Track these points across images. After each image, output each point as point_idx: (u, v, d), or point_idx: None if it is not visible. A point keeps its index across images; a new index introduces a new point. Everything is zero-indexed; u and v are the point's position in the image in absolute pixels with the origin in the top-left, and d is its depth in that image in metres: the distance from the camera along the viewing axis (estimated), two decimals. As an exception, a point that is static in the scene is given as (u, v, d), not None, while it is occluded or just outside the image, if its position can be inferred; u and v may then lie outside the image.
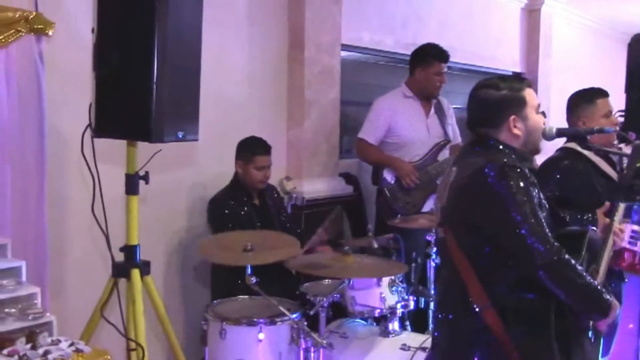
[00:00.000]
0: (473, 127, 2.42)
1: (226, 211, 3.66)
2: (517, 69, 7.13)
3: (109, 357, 2.38)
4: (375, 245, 3.47)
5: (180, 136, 2.66)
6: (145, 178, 2.73)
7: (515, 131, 2.31)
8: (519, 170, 2.18)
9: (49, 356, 2.25)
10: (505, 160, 2.22)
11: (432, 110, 4.34)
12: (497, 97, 2.33)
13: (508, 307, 2.19)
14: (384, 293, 3.19)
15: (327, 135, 4.77)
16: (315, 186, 4.59)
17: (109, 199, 2.72)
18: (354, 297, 3.20)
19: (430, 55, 4.29)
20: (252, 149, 3.77)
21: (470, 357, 2.20)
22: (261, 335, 3.02)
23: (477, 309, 2.21)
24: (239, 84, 4.22)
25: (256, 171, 3.77)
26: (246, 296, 3.36)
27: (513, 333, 2.17)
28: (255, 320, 3.05)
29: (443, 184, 2.46)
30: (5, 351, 2.29)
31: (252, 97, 4.34)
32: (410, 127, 4.28)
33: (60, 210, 3.23)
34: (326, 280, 3.53)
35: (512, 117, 2.31)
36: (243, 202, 3.74)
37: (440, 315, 2.36)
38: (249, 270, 2.91)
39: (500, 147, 2.31)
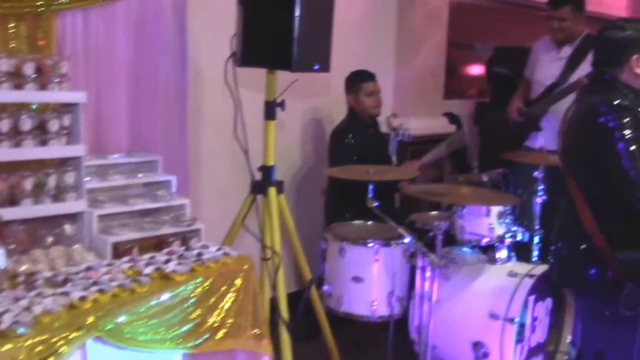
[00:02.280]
0: (596, 67, 2.55)
1: (347, 143, 3.90)
2: (624, 14, 6.97)
3: (251, 261, 2.68)
4: (485, 179, 3.64)
5: (316, 67, 2.89)
6: (282, 105, 2.98)
7: (637, 70, 2.43)
8: (629, 110, 2.32)
9: (203, 257, 2.56)
10: (618, 99, 2.35)
11: (566, 52, 4.25)
12: (621, 37, 2.45)
13: (615, 234, 2.38)
14: (492, 224, 3.36)
15: (433, 75, 4.92)
16: (421, 124, 4.76)
17: (247, 123, 2.99)
18: (464, 225, 3.39)
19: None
20: (358, 78, 4.04)
21: (586, 274, 2.41)
22: (377, 256, 3.29)
23: (588, 235, 2.41)
24: (350, 22, 4.39)
25: (367, 98, 4.03)
26: (360, 221, 3.63)
27: (619, 255, 2.37)
28: (372, 241, 3.32)
29: (563, 120, 2.63)
30: (164, 251, 2.61)
31: (362, 36, 4.52)
32: (536, 67, 4.35)
33: (202, 132, 3.55)
34: (432, 212, 3.74)
35: (635, 56, 2.42)
36: (361, 134, 3.98)
37: (558, 242, 2.56)
38: (370, 194, 3.15)
39: (619, 86, 2.44)
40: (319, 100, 4.26)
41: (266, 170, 3.01)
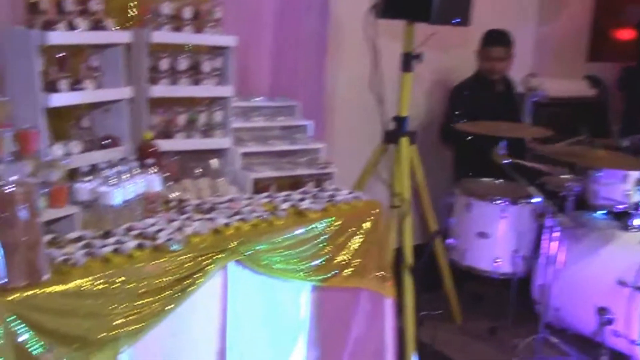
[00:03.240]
0: None
1: (465, 98, 3.89)
2: None
3: (380, 206, 2.77)
4: (625, 144, 3.51)
5: (456, 21, 2.90)
6: (419, 57, 3.02)
7: None
8: None
9: (335, 198, 2.69)
10: None
11: None
12: None
13: None
14: (629, 190, 3.25)
15: (577, 35, 4.74)
16: (559, 86, 4.61)
17: (383, 73, 3.05)
18: (598, 190, 3.31)
19: None
20: (486, 40, 3.97)
21: None
22: (505, 213, 3.29)
23: None
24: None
25: (485, 60, 3.95)
26: (489, 178, 3.63)
27: None
28: (500, 198, 3.32)
29: None
30: (299, 190, 2.77)
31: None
32: None
33: (339, 81, 3.67)
34: (563, 176, 3.66)
35: None
36: (481, 92, 3.94)
37: None
38: (502, 151, 3.15)
39: None
40: (456, 53, 4.22)
41: (400, 120, 3.08)
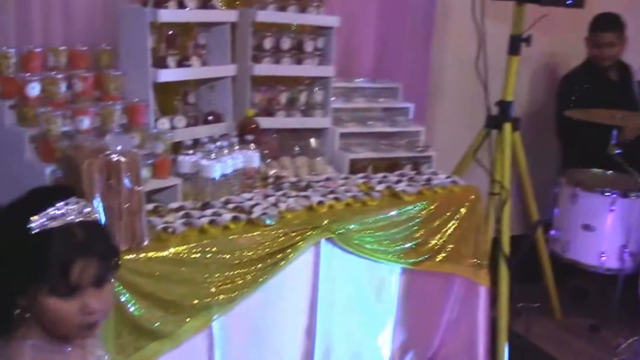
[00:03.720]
0: None
1: (576, 88, 3.70)
2: None
3: (478, 192, 2.72)
4: None
5: (569, 2, 2.77)
6: (528, 40, 2.90)
7: None
8: None
9: (431, 182, 2.66)
10: None
11: None
12: None
13: None
14: None
15: None
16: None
17: (490, 56, 2.96)
18: None
19: None
20: (594, 25, 3.72)
21: None
22: (613, 206, 3.13)
23: None
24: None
25: (593, 47, 3.73)
26: (599, 169, 3.45)
27: None
28: (609, 190, 3.16)
29: None
30: (396, 172, 2.76)
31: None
32: None
33: (443, 64, 3.62)
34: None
35: None
36: (595, 79, 3.73)
37: None
38: (614, 140, 3.00)
39: None
40: (567, 38, 4.01)
41: (504, 105, 2.98)
